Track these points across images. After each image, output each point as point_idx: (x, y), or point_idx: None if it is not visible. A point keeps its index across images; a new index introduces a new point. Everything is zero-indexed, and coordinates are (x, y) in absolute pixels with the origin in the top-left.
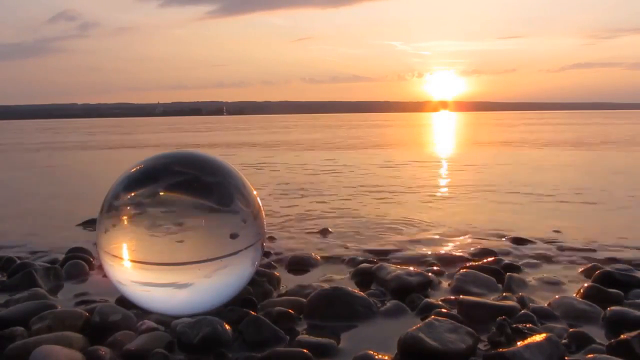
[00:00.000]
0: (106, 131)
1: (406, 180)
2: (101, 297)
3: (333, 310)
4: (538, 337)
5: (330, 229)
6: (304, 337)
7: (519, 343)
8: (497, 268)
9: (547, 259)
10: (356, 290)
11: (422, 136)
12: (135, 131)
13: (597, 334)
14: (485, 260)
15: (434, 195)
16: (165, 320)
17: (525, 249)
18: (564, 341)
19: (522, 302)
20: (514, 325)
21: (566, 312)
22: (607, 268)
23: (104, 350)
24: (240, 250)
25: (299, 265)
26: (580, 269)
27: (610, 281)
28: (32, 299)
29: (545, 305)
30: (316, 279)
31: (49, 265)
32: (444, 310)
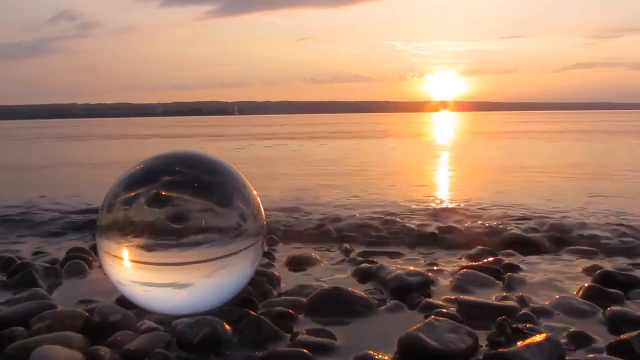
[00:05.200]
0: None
1: None
2: (101, 297)
3: (333, 310)
4: (538, 337)
5: None
6: (304, 337)
7: (519, 343)
8: (497, 268)
9: (548, 258)
10: (356, 290)
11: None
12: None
13: (597, 334)
14: (485, 260)
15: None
16: (165, 320)
17: (525, 248)
18: (564, 341)
19: (522, 302)
20: (514, 325)
21: (566, 312)
22: (608, 268)
23: (104, 350)
24: (240, 250)
25: (299, 264)
26: (581, 268)
27: (611, 281)
28: (32, 299)
29: (545, 305)
30: (316, 279)
31: (49, 265)
32: (444, 310)
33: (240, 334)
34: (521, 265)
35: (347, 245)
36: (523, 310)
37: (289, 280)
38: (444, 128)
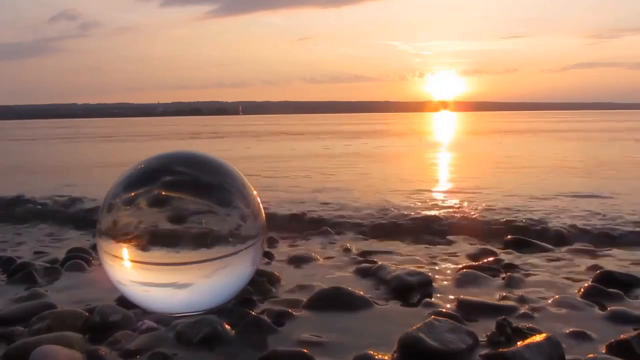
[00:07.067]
0: None
1: None
2: (101, 297)
3: (333, 310)
4: (538, 337)
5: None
6: (304, 336)
7: (519, 343)
8: (497, 268)
9: (548, 258)
10: (356, 290)
11: None
12: None
13: (597, 333)
14: (485, 260)
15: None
16: (165, 320)
17: (525, 248)
18: (563, 341)
19: (522, 301)
20: (514, 325)
21: (566, 312)
22: (608, 267)
23: (104, 350)
24: (240, 250)
25: (299, 263)
26: (581, 268)
27: (610, 280)
28: (32, 298)
29: (545, 304)
30: (316, 278)
31: (49, 265)
32: (444, 310)
33: (240, 334)
34: (521, 265)
35: (347, 245)
36: (523, 310)
37: (289, 279)
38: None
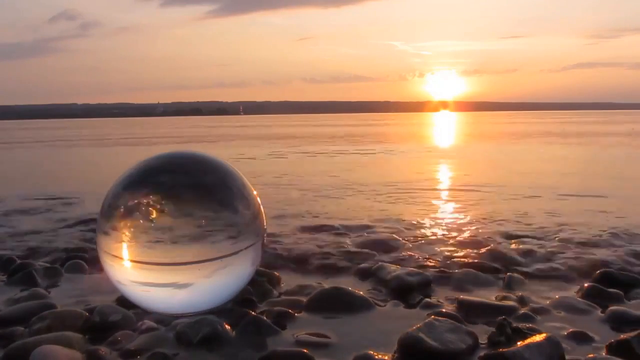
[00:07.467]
0: None
1: None
2: (101, 297)
3: (333, 310)
4: (538, 337)
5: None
6: (304, 336)
7: (519, 343)
8: (498, 267)
9: (548, 258)
10: (356, 290)
11: None
12: None
13: (597, 333)
14: (485, 261)
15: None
16: (165, 320)
17: (526, 248)
18: (564, 341)
19: (522, 302)
20: (514, 325)
21: (566, 312)
22: (608, 268)
23: (104, 350)
24: (240, 250)
25: (299, 263)
26: (581, 269)
27: (611, 281)
28: (32, 299)
29: (545, 305)
30: (316, 279)
31: (49, 265)
32: (443, 310)
33: (240, 334)
34: (521, 265)
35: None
36: (523, 310)
37: (289, 280)
38: None
